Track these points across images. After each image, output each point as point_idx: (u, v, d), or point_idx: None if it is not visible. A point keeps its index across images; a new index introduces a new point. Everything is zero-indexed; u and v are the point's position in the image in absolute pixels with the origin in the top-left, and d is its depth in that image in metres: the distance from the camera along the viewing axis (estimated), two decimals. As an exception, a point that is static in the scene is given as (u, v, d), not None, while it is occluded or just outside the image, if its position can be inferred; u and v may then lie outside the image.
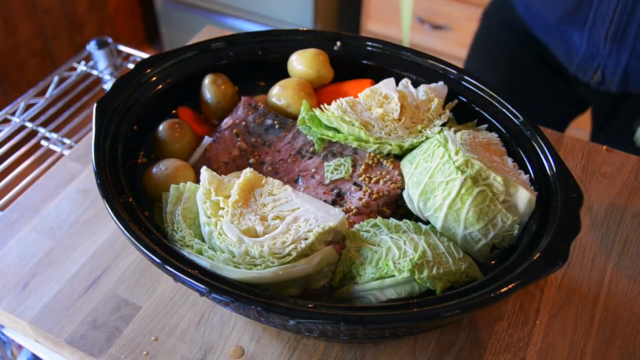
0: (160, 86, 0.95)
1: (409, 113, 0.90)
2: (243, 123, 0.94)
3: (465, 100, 0.95)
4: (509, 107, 0.91)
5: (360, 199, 0.84)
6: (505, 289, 0.69)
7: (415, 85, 0.95)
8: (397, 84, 0.94)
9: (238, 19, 2.70)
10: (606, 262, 0.94)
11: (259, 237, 0.75)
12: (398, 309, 0.68)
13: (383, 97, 0.92)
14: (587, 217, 0.99)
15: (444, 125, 0.91)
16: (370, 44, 1.02)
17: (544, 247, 0.73)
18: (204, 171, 0.81)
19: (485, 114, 0.93)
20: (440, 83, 0.96)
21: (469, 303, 0.68)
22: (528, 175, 0.85)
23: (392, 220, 0.80)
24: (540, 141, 0.86)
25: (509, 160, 0.87)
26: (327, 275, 0.77)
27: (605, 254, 0.95)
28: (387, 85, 0.93)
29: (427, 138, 0.87)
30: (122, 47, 1.38)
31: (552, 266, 0.71)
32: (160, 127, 0.92)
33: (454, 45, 2.35)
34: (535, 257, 0.72)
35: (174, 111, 0.99)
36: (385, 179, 0.87)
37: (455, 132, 0.86)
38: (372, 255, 0.76)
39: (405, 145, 0.87)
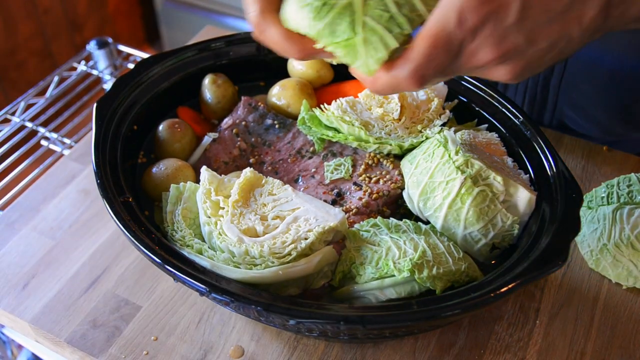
0: (160, 86, 0.95)
1: (409, 113, 0.90)
2: (243, 123, 0.94)
3: (465, 100, 0.95)
4: (509, 107, 0.91)
5: (360, 198, 0.84)
6: (505, 288, 0.69)
7: None
8: None
9: (238, 19, 2.70)
10: (606, 262, 0.93)
11: (259, 236, 0.75)
12: (398, 309, 0.68)
13: (383, 96, 0.92)
14: (587, 217, 0.99)
15: (444, 125, 0.91)
16: (370, 44, 1.01)
17: (543, 247, 0.73)
18: (204, 171, 0.81)
19: (485, 114, 0.93)
20: (440, 83, 0.96)
21: (469, 303, 0.68)
22: (528, 175, 0.85)
23: (392, 220, 0.80)
24: (540, 141, 0.86)
25: (509, 160, 0.87)
26: (327, 275, 0.77)
27: (605, 254, 0.94)
28: None
29: (427, 138, 0.87)
30: (122, 47, 1.38)
31: (552, 266, 0.71)
32: (160, 127, 0.92)
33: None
34: (535, 257, 0.72)
35: (174, 111, 0.99)
36: (385, 179, 0.87)
37: (455, 132, 0.86)
38: (372, 255, 0.75)
39: (405, 145, 0.87)
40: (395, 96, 0.91)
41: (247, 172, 0.80)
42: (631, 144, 1.12)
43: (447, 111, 0.92)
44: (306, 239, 0.74)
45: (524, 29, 0.57)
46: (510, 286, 0.69)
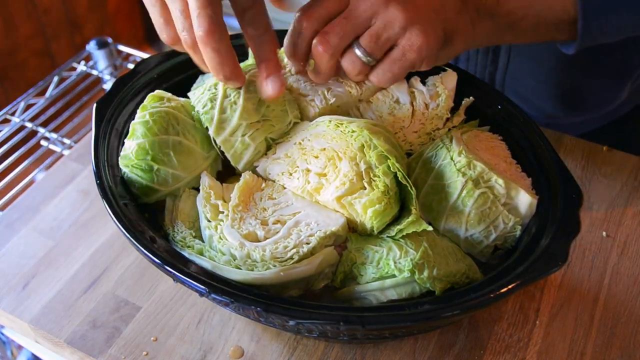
0: (160, 86, 0.95)
1: (418, 115, 0.89)
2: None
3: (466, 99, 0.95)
4: (509, 107, 0.91)
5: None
6: (505, 289, 0.69)
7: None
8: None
9: (238, 19, 2.70)
10: (606, 262, 0.93)
11: (260, 241, 0.75)
12: (397, 309, 0.68)
13: (395, 101, 0.90)
14: (587, 217, 0.99)
15: (454, 127, 0.90)
16: (370, 44, 1.01)
17: (543, 248, 0.73)
18: (204, 176, 0.81)
19: (485, 114, 0.93)
20: (449, 70, 0.93)
21: (469, 303, 0.68)
22: (530, 178, 0.85)
23: (394, 221, 0.80)
24: (540, 141, 0.86)
25: (512, 163, 0.87)
26: (327, 276, 0.77)
27: (605, 254, 0.94)
28: (398, 87, 0.91)
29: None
30: (122, 47, 1.38)
31: (552, 266, 0.71)
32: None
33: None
34: (535, 258, 0.72)
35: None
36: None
37: (460, 133, 0.85)
38: (373, 255, 0.75)
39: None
40: (407, 101, 0.89)
41: (246, 175, 0.80)
42: (567, 126, 1.20)
43: (462, 113, 0.91)
44: (308, 243, 0.74)
45: None
46: (510, 287, 0.69)
